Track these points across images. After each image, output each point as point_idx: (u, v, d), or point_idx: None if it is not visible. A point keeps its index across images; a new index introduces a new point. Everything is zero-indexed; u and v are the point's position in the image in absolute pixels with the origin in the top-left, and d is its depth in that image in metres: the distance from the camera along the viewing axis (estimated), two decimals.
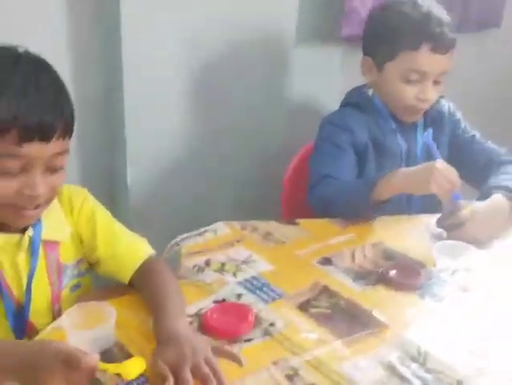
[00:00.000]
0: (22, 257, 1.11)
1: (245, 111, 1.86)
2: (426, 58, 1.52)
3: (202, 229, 1.38)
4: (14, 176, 0.99)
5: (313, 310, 1.14)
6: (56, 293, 1.16)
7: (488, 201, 1.45)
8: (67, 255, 1.18)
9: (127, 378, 0.91)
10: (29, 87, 0.98)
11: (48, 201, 1.08)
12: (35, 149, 0.98)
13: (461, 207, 1.38)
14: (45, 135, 0.98)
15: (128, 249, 1.21)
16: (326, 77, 1.96)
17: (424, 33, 1.51)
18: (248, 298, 1.16)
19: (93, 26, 1.62)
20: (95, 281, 1.27)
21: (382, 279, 1.24)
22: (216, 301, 1.15)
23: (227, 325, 1.06)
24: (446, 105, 1.72)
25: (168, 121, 1.77)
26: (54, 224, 1.15)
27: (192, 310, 1.11)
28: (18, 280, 1.11)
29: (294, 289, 1.19)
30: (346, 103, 1.70)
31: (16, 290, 1.11)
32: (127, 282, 1.19)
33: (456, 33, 1.57)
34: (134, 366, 0.93)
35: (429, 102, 1.58)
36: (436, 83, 1.56)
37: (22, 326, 1.11)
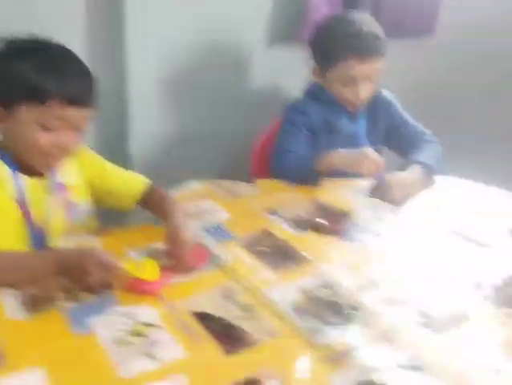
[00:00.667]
0: (41, 195, 1.12)
1: (218, 102, 1.84)
2: (355, 67, 1.48)
3: (178, 186, 1.38)
4: (52, 132, 1.03)
5: (256, 249, 1.14)
6: (68, 225, 1.16)
7: (407, 171, 1.44)
8: (77, 196, 1.19)
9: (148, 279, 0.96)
10: (68, 66, 1.05)
11: (69, 154, 1.11)
12: (73, 112, 1.03)
13: (385, 181, 1.38)
14: (80, 103, 1.03)
15: (130, 182, 1.23)
16: (293, 72, 1.90)
17: (351, 47, 1.47)
18: (206, 239, 1.16)
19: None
20: (100, 218, 1.27)
21: (313, 226, 1.24)
22: None
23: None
24: (388, 96, 1.67)
25: (161, 105, 1.75)
26: (67, 171, 1.17)
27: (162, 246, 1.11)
28: (40, 211, 1.11)
29: (244, 233, 1.19)
30: (306, 93, 1.67)
31: (38, 218, 1.11)
32: (132, 207, 1.23)
33: (391, 38, 1.53)
34: (152, 268, 0.98)
35: (363, 99, 1.55)
36: (369, 81, 1.53)
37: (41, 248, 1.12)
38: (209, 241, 1.15)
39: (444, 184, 1.45)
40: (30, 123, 1.02)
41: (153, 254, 1.07)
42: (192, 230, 1.11)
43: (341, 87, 1.53)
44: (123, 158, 1.75)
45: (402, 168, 1.49)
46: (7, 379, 0.76)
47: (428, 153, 1.51)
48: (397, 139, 1.64)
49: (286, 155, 1.51)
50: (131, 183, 1.23)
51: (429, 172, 1.45)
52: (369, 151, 1.39)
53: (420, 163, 1.46)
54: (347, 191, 1.42)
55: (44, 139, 1.03)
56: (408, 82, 2.15)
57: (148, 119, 1.74)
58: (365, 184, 1.44)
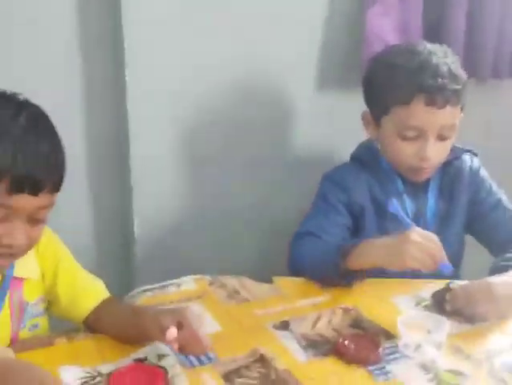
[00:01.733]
0: None
1: (253, 164, 1.50)
2: (420, 113, 1.11)
3: (167, 282, 1.08)
4: (1, 224, 0.80)
5: (238, 380, 0.79)
6: (16, 330, 0.92)
7: (505, 276, 1.02)
8: (30, 292, 0.95)
9: None
10: (26, 141, 0.81)
11: (24, 252, 0.87)
12: (23, 201, 0.80)
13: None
14: (34, 189, 0.80)
15: (86, 291, 0.97)
16: (345, 125, 1.54)
17: (416, 84, 1.11)
18: (170, 361, 0.82)
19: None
20: (51, 323, 1.00)
21: (335, 350, 0.86)
22: (136, 360, 0.83)
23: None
24: (468, 161, 1.27)
25: (171, 181, 1.47)
26: (25, 261, 0.92)
27: (107, 368, 0.81)
28: None
29: (229, 355, 0.85)
30: (352, 158, 1.32)
31: None
32: (81, 321, 0.95)
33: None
34: None
35: (431, 161, 1.16)
36: (441, 138, 1.15)
37: None
38: (172, 363, 0.81)
39: None
40: None
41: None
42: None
43: (399, 142, 1.15)
44: (122, 238, 1.48)
45: (491, 272, 1.09)
46: None
47: None
48: (485, 226, 1.24)
49: (307, 238, 1.15)
50: (86, 296, 0.96)
51: None
52: (415, 232, 0.96)
53: None
54: (399, 297, 1.04)
55: None
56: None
57: (156, 191, 1.46)
58: (428, 287, 1.05)
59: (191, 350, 0.82)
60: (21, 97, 0.86)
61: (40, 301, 0.96)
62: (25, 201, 0.80)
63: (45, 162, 0.81)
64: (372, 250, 1.01)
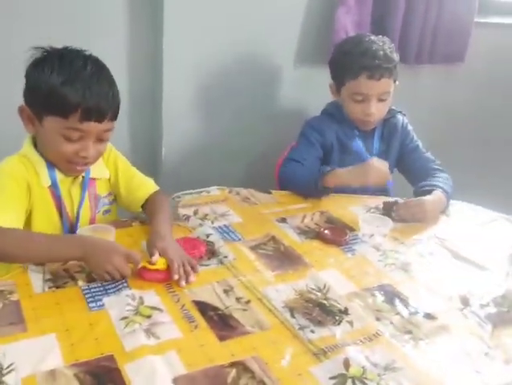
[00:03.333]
0: (75, 190, 1.23)
1: (247, 115, 1.95)
2: (364, 84, 1.56)
3: (200, 190, 1.49)
4: (74, 142, 1.12)
5: (259, 251, 1.22)
6: (94, 215, 1.27)
7: (433, 195, 1.47)
8: (102, 188, 1.29)
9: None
10: (92, 82, 1.10)
11: (94, 161, 1.20)
12: (91, 126, 1.11)
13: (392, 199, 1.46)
14: (99, 118, 1.11)
15: (140, 186, 1.32)
16: (317, 91, 2.00)
17: (361, 65, 1.55)
18: (214, 238, 1.25)
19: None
20: (119, 210, 1.37)
21: (318, 235, 1.31)
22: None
23: (185, 250, 1.15)
24: (401, 119, 1.75)
25: (198, 117, 1.88)
26: (98, 167, 1.27)
27: None
28: (71, 206, 1.23)
29: (251, 236, 1.28)
30: (323, 111, 1.76)
31: (70, 213, 1.23)
32: (139, 209, 1.31)
33: (418, 64, 1.59)
34: (163, 262, 1.08)
35: (374, 115, 1.62)
36: (379, 100, 1.60)
37: None
38: (217, 240, 1.24)
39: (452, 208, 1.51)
40: (54, 134, 1.11)
41: None
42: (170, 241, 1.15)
43: (352, 104, 1.61)
44: (154, 159, 1.89)
45: (415, 194, 1.56)
46: (26, 341, 0.87)
47: (444, 181, 1.56)
48: (409, 165, 1.70)
49: (291, 163, 1.58)
50: (139, 190, 1.31)
51: (447, 197, 1.49)
52: (375, 160, 1.45)
53: (440, 188, 1.50)
54: (354, 206, 1.50)
55: (67, 149, 1.12)
56: (434, 108, 2.23)
57: (180, 125, 1.86)
58: (375, 201, 1.52)
59: None
60: (86, 52, 1.16)
61: (109, 195, 1.32)
62: (92, 127, 1.10)
63: (106, 97, 1.12)
64: (344, 173, 1.47)
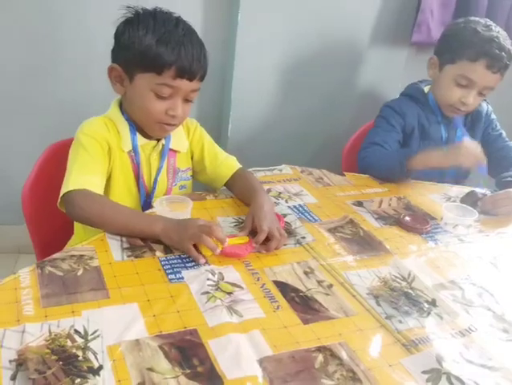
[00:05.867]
0: (154, 158, 1.22)
1: (325, 95, 1.89)
2: (478, 71, 1.47)
3: (272, 167, 1.44)
4: (164, 100, 1.11)
5: (338, 234, 1.17)
6: (170, 188, 1.26)
7: None
8: (181, 162, 1.28)
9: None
10: (185, 41, 1.09)
11: (180, 123, 1.19)
12: (183, 84, 1.10)
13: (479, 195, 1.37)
14: (191, 76, 1.11)
15: (225, 163, 1.30)
16: (392, 73, 1.93)
17: (485, 50, 1.45)
18: (291, 218, 1.21)
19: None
20: (194, 187, 1.36)
21: (398, 222, 1.25)
22: None
23: None
24: (485, 107, 1.66)
25: (265, 96, 1.83)
26: (179, 138, 1.26)
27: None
28: (149, 174, 1.22)
29: (328, 218, 1.23)
30: (404, 94, 1.69)
31: (147, 181, 1.22)
32: (220, 187, 1.29)
33: None
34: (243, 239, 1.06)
35: (468, 106, 1.53)
36: (479, 94, 1.51)
37: (147, 208, 1.21)
38: (293, 220, 1.20)
39: None
40: (146, 91, 1.10)
41: (239, 224, 1.14)
42: (272, 211, 1.14)
43: (452, 87, 1.51)
44: (219, 135, 1.86)
45: (497, 185, 1.48)
46: (109, 308, 0.85)
47: None
48: (491, 153, 1.58)
49: (374, 147, 1.52)
50: (224, 167, 1.29)
51: None
52: (467, 142, 1.37)
53: None
54: (434, 194, 1.43)
55: (157, 106, 1.11)
56: None
57: (249, 102, 1.82)
58: (456, 190, 1.44)
59: None
60: (175, 14, 1.15)
61: (188, 170, 1.30)
62: (184, 84, 1.10)
63: (198, 58, 1.11)
64: (435, 155, 1.39)
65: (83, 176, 1.06)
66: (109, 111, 1.19)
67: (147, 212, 1.15)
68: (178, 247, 1.01)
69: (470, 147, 1.35)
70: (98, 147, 1.12)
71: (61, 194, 1.05)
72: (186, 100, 1.15)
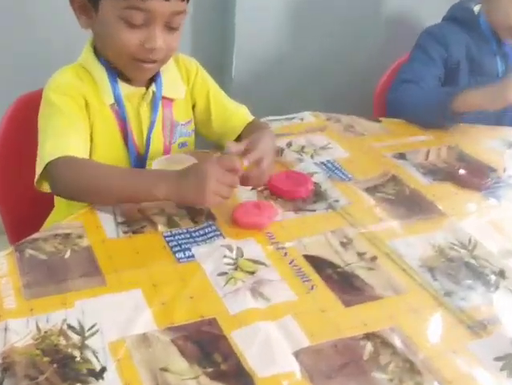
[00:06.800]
0: (144, 109, 1.18)
1: (348, 21, 1.84)
2: None
3: (290, 115, 1.42)
4: (137, 29, 1.05)
5: (378, 194, 1.16)
6: (167, 146, 1.23)
7: None
8: (180, 114, 1.25)
9: None
10: None
11: (164, 60, 1.13)
12: (158, 4, 1.03)
13: None
14: None
15: (235, 114, 1.27)
16: None
17: None
18: (320, 177, 1.19)
19: None
20: (198, 144, 1.33)
21: (451, 176, 1.24)
22: None
23: (288, 186, 1.12)
24: None
25: (272, 28, 1.79)
26: (173, 83, 1.22)
27: None
28: (140, 131, 1.19)
29: (364, 175, 1.22)
30: (449, 17, 1.63)
31: (137, 140, 1.18)
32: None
33: None
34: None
35: None
36: None
37: None
38: (322, 180, 1.18)
39: None
40: (114, 19, 1.04)
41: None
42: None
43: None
44: (221, 77, 1.82)
45: None
46: (107, 296, 0.84)
47: None
48: None
49: (407, 85, 1.48)
50: (235, 119, 1.26)
51: None
52: None
53: None
54: (492, 141, 1.40)
55: (129, 37, 1.05)
56: None
57: (255, 38, 1.77)
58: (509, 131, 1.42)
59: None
60: None
61: (189, 124, 1.27)
62: (159, 5, 1.02)
63: None
64: (478, 94, 1.36)
65: (60, 141, 1.03)
66: (80, 57, 1.15)
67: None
68: (199, 206, 1.02)
69: None
70: (73, 105, 1.08)
71: (39, 171, 1.02)
72: (170, 28, 1.08)
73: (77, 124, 1.08)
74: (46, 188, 1.04)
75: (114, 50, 1.09)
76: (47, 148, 1.02)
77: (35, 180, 1.03)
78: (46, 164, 1.00)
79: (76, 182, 0.99)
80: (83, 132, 1.09)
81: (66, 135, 1.04)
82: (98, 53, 1.14)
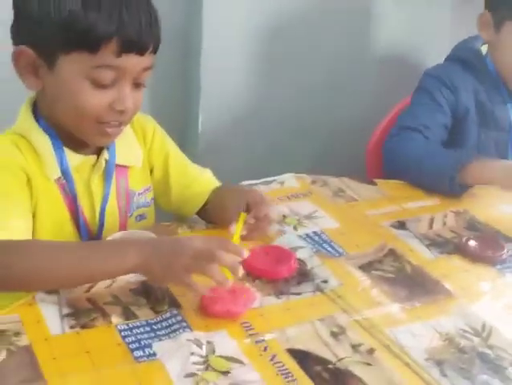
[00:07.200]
0: (95, 181, 1.22)
1: (331, 66, 1.92)
2: None
3: (269, 179, 1.47)
4: (106, 90, 1.11)
5: (375, 273, 1.19)
6: (123, 220, 1.27)
7: None
8: (136, 182, 1.29)
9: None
10: (129, 7, 1.09)
11: (128, 120, 1.19)
12: (131, 61, 1.11)
13: None
14: (142, 48, 1.11)
15: (197, 179, 1.33)
16: (431, 28, 1.96)
17: None
18: (305, 252, 1.22)
19: None
20: (158, 216, 1.37)
21: (460, 249, 1.28)
22: None
23: (268, 265, 1.15)
24: None
25: (243, 74, 1.86)
26: (128, 148, 1.27)
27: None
28: (91, 206, 1.22)
29: (358, 250, 1.25)
30: (452, 58, 1.71)
31: (89, 217, 1.22)
32: (192, 214, 1.32)
33: None
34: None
35: None
36: None
37: None
38: (308, 256, 1.21)
39: None
40: (77, 79, 1.09)
41: None
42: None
43: None
44: (185, 131, 1.88)
45: None
46: None
47: None
48: None
49: (408, 134, 1.54)
50: (196, 185, 1.32)
51: None
52: None
53: None
54: (509, 206, 1.46)
55: (97, 100, 1.11)
56: None
57: (224, 84, 1.84)
58: None
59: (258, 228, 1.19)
60: None
61: (146, 192, 1.31)
62: (133, 61, 1.10)
63: (148, 25, 1.11)
64: (492, 171, 1.43)
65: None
66: (17, 122, 1.19)
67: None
68: (166, 284, 1.05)
69: None
70: (11, 180, 1.11)
71: None
72: (137, 85, 1.15)
73: (17, 201, 1.10)
74: None
75: (73, 113, 1.13)
76: None
77: None
78: None
79: (16, 269, 1.00)
80: (25, 210, 1.11)
81: (4, 216, 1.06)
82: (37, 117, 1.18)
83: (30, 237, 1.10)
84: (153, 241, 1.06)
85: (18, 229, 1.06)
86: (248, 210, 1.18)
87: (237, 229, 1.11)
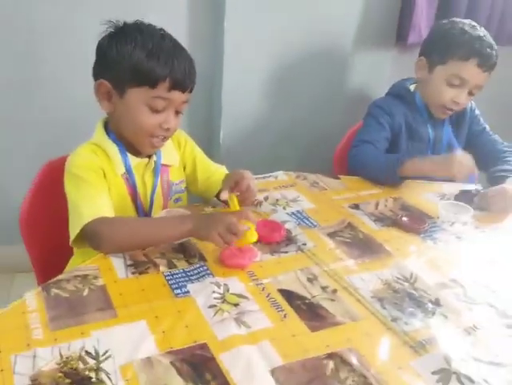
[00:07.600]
0: (148, 176, 1.22)
1: (313, 97, 1.92)
2: (471, 70, 1.49)
3: (267, 175, 1.46)
4: (157, 114, 1.12)
5: (337, 238, 1.19)
6: (166, 202, 1.27)
7: (507, 183, 1.42)
8: (174, 176, 1.29)
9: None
10: (176, 53, 1.11)
11: (170, 136, 1.19)
12: (177, 95, 1.12)
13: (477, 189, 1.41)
14: (184, 87, 1.12)
15: (215, 173, 1.32)
16: (378, 73, 1.96)
17: (476, 49, 1.47)
18: (291, 225, 1.22)
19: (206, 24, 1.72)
20: (189, 199, 1.36)
21: (395, 223, 1.27)
22: None
23: (265, 233, 1.14)
24: (472, 103, 1.69)
25: (253, 102, 1.86)
26: (169, 153, 1.27)
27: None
28: (144, 193, 1.22)
29: (326, 223, 1.25)
30: (390, 93, 1.70)
31: (143, 200, 1.22)
32: (212, 197, 1.30)
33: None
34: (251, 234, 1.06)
35: (460, 106, 1.56)
36: (470, 93, 1.54)
37: None
38: (293, 227, 1.21)
39: None
40: (139, 105, 1.10)
41: None
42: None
43: (444, 88, 1.53)
44: (210, 142, 1.88)
45: (489, 180, 1.50)
46: (118, 327, 0.85)
47: None
48: (478, 148, 1.63)
49: (365, 146, 1.53)
50: (214, 177, 1.30)
51: None
52: (460, 154, 1.38)
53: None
54: (431, 194, 1.45)
55: (151, 120, 1.11)
56: (503, 91, 2.15)
57: (239, 107, 1.84)
58: (449, 188, 1.46)
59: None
60: (158, 27, 1.15)
61: (181, 182, 1.31)
62: (177, 96, 1.12)
63: (189, 69, 1.12)
64: (426, 163, 1.41)
65: (94, 205, 1.06)
66: (94, 136, 1.18)
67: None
68: (207, 241, 1.04)
69: (463, 160, 1.36)
70: (95, 176, 1.11)
71: (76, 230, 1.03)
72: (177, 113, 1.16)
73: (102, 190, 1.11)
74: (80, 245, 1.06)
75: (134, 129, 1.13)
76: (84, 212, 1.04)
77: (71, 239, 1.05)
78: (86, 224, 1.02)
79: (117, 238, 1.03)
80: (107, 197, 1.12)
81: (97, 200, 1.07)
82: (108, 132, 1.18)
83: (113, 213, 1.09)
84: (199, 215, 1.10)
85: (105, 207, 1.07)
86: (236, 185, 1.15)
87: (235, 207, 1.10)
